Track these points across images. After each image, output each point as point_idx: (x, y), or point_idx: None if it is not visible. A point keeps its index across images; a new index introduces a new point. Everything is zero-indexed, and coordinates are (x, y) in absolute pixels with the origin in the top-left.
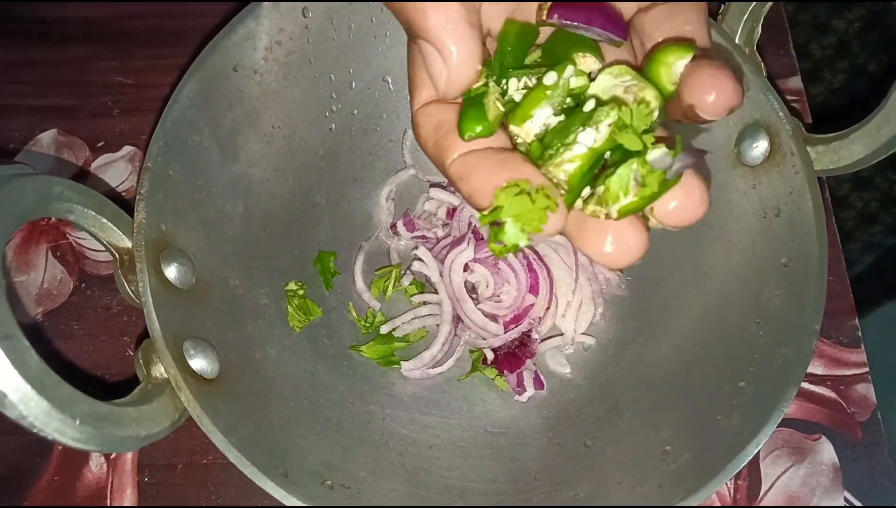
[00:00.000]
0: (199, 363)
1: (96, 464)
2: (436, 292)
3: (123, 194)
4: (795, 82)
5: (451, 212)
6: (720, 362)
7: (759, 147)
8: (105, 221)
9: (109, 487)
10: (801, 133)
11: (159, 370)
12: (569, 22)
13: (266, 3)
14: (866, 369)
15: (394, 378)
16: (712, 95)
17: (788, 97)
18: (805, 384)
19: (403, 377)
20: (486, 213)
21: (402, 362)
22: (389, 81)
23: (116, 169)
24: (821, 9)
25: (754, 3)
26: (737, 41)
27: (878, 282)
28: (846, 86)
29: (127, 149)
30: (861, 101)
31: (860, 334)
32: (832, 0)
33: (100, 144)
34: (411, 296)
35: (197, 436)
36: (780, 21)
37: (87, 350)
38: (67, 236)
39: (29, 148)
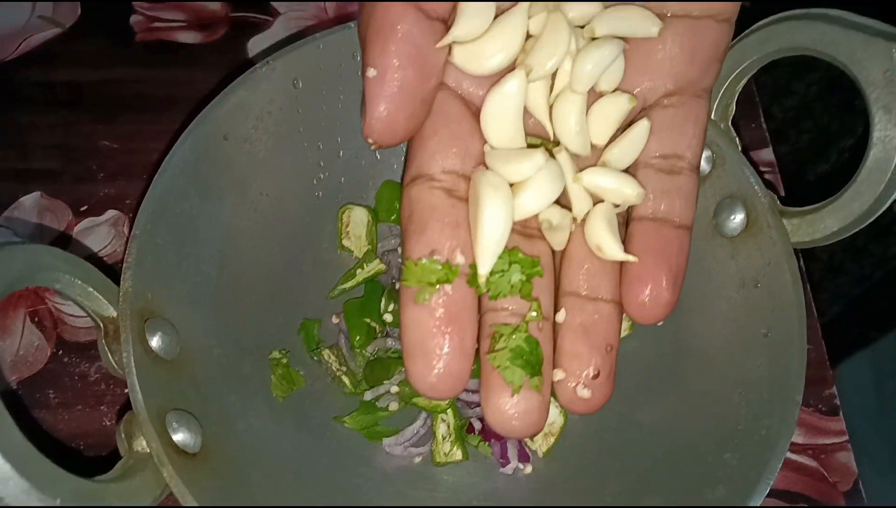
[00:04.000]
0: (181, 436)
1: None
2: None
3: (105, 258)
4: (768, 154)
5: None
6: (704, 432)
7: (737, 219)
8: (91, 290)
9: None
10: (776, 206)
11: (141, 444)
12: None
13: (258, 74)
14: (846, 437)
15: (378, 450)
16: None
17: (762, 168)
18: (786, 454)
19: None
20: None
21: (384, 438)
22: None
23: (99, 234)
24: (782, 71)
25: (729, 80)
26: (712, 117)
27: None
28: (811, 147)
29: (110, 213)
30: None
31: (838, 402)
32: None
33: (83, 208)
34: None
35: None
36: (751, 95)
37: (63, 420)
38: (46, 301)
39: (11, 211)
